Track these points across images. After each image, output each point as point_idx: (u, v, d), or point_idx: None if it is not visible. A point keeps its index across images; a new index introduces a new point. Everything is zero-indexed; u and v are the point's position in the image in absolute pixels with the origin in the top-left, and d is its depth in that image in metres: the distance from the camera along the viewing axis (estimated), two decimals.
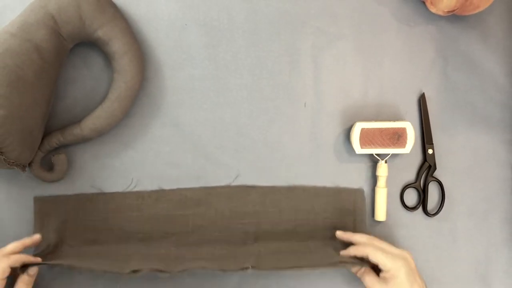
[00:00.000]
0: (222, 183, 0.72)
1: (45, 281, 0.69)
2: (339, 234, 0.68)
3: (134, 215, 0.70)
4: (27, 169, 0.66)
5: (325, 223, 0.71)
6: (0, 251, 0.60)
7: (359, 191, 0.73)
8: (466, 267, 0.74)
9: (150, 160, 0.72)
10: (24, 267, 0.61)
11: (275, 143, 0.73)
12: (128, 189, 0.71)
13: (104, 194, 0.70)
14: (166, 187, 0.72)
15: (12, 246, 0.61)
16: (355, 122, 0.72)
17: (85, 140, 0.69)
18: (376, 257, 0.62)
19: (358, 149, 0.71)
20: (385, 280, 0.62)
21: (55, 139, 0.68)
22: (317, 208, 0.71)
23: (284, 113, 0.73)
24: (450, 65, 0.75)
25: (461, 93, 0.75)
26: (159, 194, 0.71)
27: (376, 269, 0.64)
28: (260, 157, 0.73)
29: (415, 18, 0.75)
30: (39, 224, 0.69)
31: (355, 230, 0.72)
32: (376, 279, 0.63)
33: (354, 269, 0.66)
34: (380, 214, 0.72)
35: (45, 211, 0.69)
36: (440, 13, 0.71)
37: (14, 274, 0.61)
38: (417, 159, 0.74)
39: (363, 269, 0.65)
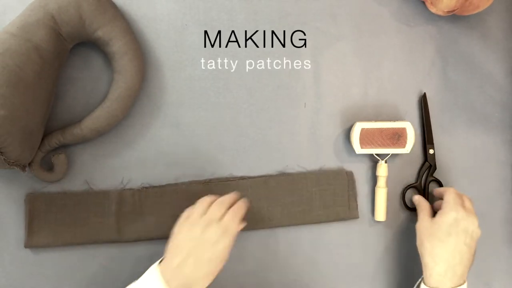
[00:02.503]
0: None
1: None
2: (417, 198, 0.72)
3: (128, 212, 0.70)
4: (27, 169, 0.66)
5: (319, 203, 0.72)
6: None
7: (350, 172, 0.73)
8: None
9: (150, 160, 0.72)
10: None
11: (275, 143, 0.73)
12: (120, 187, 0.71)
13: (96, 191, 0.70)
14: None
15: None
16: (355, 122, 0.72)
17: (85, 140, 0.69)
18: (448, 195, 0.66)
19: (358, 149, 0.71)
20: (434, 218, 0.66)
21: (55, 139, 0.68)
22: (310, 190, 0.72)
23: (284, 113, 0.73)
24: (450, 65, 0.75)
25: (461, 93, 0.75)
26: (152, 190, 0.71)
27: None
28: (260, 157, 0.73)
29: (415, 18, 0.75)
30: (30, 221, 0.68)
31: (349, 208, 0.72)
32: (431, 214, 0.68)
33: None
34: (380, 214, 0.72)
35: (36, 208, 0.69)
36: (440, 13, 0.71)
37: None
38: (417, 159, 0.74)
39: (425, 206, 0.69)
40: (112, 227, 0.69)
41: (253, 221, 0.70)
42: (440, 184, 0.74)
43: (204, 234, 0.58)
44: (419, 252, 0.66)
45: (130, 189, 0.71)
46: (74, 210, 0.69)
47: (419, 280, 0.66)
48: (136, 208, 0.70)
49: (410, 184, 0.74)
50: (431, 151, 0.73)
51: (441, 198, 0.69)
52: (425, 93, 0.74)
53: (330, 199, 0.72)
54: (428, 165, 0.73)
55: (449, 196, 0.65)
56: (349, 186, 0.72)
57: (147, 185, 0.71)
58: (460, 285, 0.63)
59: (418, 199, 0.71)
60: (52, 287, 0.70)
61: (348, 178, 0.73)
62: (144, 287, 0.58)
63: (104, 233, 0.69)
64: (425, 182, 0.74)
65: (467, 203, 0.66)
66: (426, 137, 0.74)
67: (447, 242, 0.63)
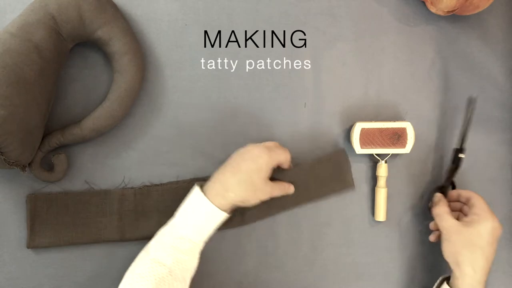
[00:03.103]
0: None
1: None
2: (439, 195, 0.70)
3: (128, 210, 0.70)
4: (27, 169, 0.66)
5: (314, 181, 0.72)
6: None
7: (341, 149, 0.73)
8: None
9: (150, 160, 0.72)
10: None
11: None
12: (121, 187, 0.71)
13: (98, 191, 0.70)
14: None
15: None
16: (355, 122, 0.72)
17: (85, 140, 0.69)
18: (479, 201, 0.65)
19: (358, 149, 0.71)
20: (467, 223, 0.64)
21: (55, 139, 0.68)
22: (306, 172, 0.72)
23: (284, 113, 0.73)
24: (450, 65, 0.75)
25: (461, 93, 0.75)
26: (154, 189, 0.71)
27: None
28: None
29: (415, 18, 0.75)
30: (32, 222, 0.68)
31: (344, 184, 0.72)
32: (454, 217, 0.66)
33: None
34: (380, 214, 0.72)
35: (38, 209, 0.69)
36: (440, 13, 0.71)
37: None
38: (417, 158, 0.74)
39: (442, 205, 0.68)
40: (114, 226, 0.69)
41: (252, 210, 0.70)
42: (454, 187, 0.72)
43: (249, 151, 0.64)
44: (452, 257, 0.64)
45: (132, 187, 0.71)
46: (75, 209, 0.69)
47: (439, 281, 0.66)
48: (138, 206, 0.70)
49: (439, 186, 0.72)
50: (461, 155, 0.71)
51: (458, 200, 0.69)
52: (475, 97, 0.72)
53: (325, 176, 0.71)
54: (455, 167, 0.72)
55: (483, 203, 0.65)
56: (341, 162, 0.72)
57: (149, 184, 0.71)
58: None
59: (439, 197, 0.69)
60: (53, 287, 0.70)
61: (341, 154, 0.72)
62: (188, 203, 0.63)
63: (106, 232, 0.69)
64: (448, 185, 0.72)
65: None
66: (462, 142, 0.71)
67: (488, 252, 0.63)
